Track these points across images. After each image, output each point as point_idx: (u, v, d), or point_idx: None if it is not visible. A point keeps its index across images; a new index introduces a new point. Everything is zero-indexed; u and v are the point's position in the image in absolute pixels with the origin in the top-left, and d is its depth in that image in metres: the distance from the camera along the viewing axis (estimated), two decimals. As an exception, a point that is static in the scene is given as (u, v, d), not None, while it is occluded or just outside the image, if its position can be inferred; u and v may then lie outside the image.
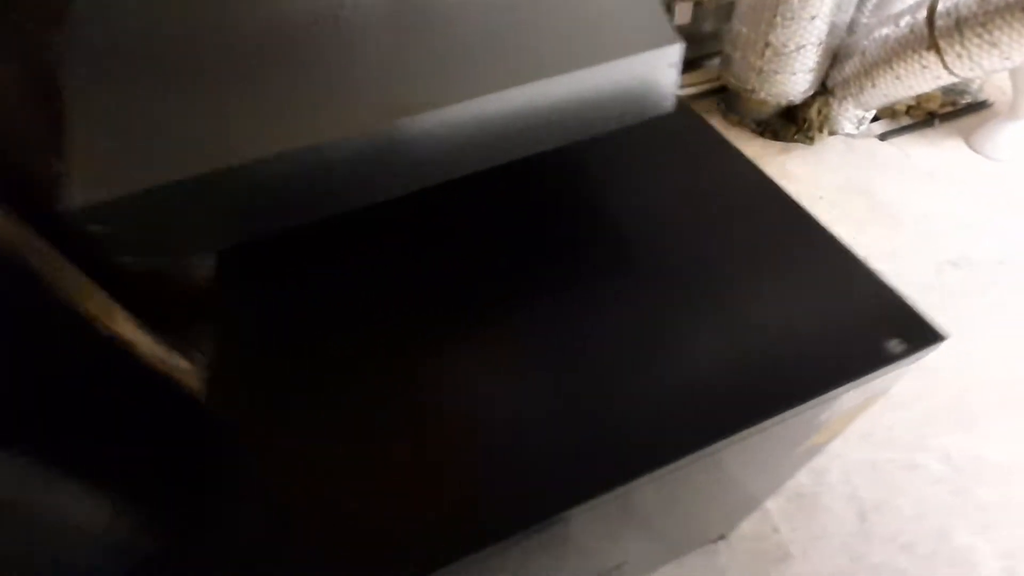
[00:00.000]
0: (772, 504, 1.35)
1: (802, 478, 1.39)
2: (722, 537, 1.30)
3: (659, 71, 0.51)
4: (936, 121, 2.33)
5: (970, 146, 2.23)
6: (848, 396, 0.53)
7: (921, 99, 2.35)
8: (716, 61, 2.48)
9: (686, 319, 0.54)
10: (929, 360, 1.71)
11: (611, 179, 0.69)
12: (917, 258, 1.86)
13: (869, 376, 0.50)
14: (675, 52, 0.51)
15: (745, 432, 0.46)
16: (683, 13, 2.36)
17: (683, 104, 0.83)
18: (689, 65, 2.57)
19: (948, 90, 2.36)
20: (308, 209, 0.51)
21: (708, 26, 2.51)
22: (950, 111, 2.36)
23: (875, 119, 2.39)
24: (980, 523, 1.29)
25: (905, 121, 2.37)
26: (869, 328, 0.52)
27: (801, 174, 2.19)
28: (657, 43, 0.50)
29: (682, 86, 2.51)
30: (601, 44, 0.49)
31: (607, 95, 0.50)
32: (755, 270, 0.58)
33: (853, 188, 2.12)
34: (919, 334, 0.52)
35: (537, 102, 0.48)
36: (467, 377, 0.50)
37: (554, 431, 0.46)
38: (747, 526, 1.34)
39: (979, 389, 1.52)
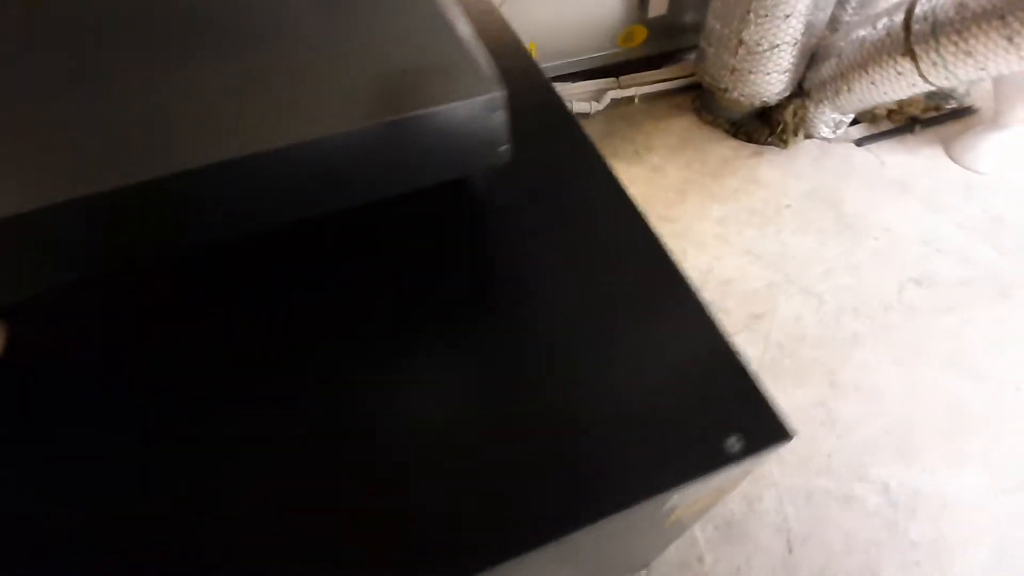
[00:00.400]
0: (700, 532, 1.32)
1: (733, 505, 1.35)
2: (645, 566, 1.27)
3: (478, 120, 0.44)
4: (916, 127, 2.23)
5: (949, 155, 2.14)
6: (681, 494, 0.47)
7: (903, 103, 2.26)
8: (693, 56, 2.37)
9: (503, 401, 0.48)
10: (877, 382, 1.64)
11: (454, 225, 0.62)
12: (879, 274, 1.79)
13: (699, 478, 0.44)
14: (495, 100, 0.44)
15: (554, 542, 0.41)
16: (659, 3, 2.24)
17: (581, 140, 0.76)
18: (665, 58, 2.46)
19: (932, 94, 2.26)
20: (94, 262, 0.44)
21: (688, 17, 2.40)
22: (933, 116, 2.27)
23: (855, 122, 2.29)
24: (910, 561, 1.26)
25: (885, 126, 2.27)
26: (710, 420, 0.46)
27: (770, 179, 2.11)
28: (469, 93, 0.43)
29: (656, 81, 2.42)
30: (405, 95, 0.41)
31: (417, 148, 0.43)
32: (601, 341, 0.52)
33: (822, 196, 2.04)
34: (763, 431, 0.46)
35: (332, 156, 0.41)
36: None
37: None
38: (674, 553, 1.30)
39: (926, 418, 1.47)
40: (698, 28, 2.19)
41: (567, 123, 0.76)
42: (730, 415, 0.46)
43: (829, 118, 2.17)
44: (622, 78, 2.45)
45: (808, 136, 2.23)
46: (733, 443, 0.45)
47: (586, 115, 2.46)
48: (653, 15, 2.29)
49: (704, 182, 2.14)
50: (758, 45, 1.92)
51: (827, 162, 2.16)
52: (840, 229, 1.93)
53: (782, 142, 2.22)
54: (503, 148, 0.48)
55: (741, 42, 1.96)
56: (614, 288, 0.56)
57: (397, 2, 0.47)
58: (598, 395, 0.48)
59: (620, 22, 2.33)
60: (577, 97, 2.43)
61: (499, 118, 0.45)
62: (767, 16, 1.83)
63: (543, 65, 2.38)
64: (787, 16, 1.81)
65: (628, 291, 0.56)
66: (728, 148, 2.26)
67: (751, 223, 1.98)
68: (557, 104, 0.79)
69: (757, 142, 2.25)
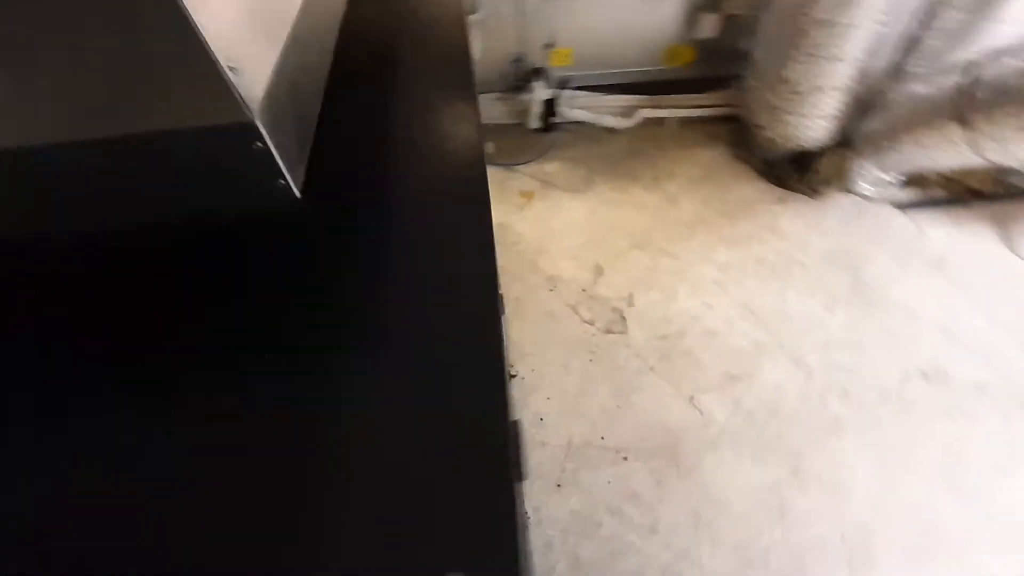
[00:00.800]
0: (606, 598, 1.23)
1: (650, 578, 1.26)
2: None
3: (230, 150, 0.38)
4: (972, 201, 2.00)
5: (1002, 239, 1.90)
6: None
7: (961, 172, 2.02)
8: (736, 85, 2.20)
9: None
10: (846, 478, 1.47)
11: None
12: (885, 357, 1.61)
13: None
14: (249, 128, 0.38)
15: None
16: (709, 25, 2.08)
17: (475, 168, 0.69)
18: (709, 84, 2.30)
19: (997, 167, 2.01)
20: None
21: (740, 43, 2.22)
22: (993, 192, 2.02)
23: (904, 184, 2.07)
24: None
25: (937, 193, 2.04)
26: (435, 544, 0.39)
27: (791, 231, 1.94)
28: (208, 118, 0.37)
29: (693, 106, 2.26)
30: (126, 110, 0.36)
31: (143, 173, 0.38)
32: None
33: (843, 258, 1.86)
34: (492, 567, 0.38)
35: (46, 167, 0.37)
36: None
37: None
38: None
39: (891, 531, 1.31)
40: (748, 56, 2.02)
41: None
42: (463, 541, 0.39)
43: (872, 175, 1.97)
44: (658, 97, 2.31)
45: (846, 190, 2.04)
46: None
47: (612, 130, 2.35)
48: (703, 36, 2.14)
49: (718, 222, 2.00)
50: (800, 85, 1.76)
51: (859, 222, 1.97)
52: (854, 298, 1.76)
53: (813, 191, 2.03)
54: (279, 183, 0.42)
55: (783, 79, 1.79)
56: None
57: (139, 7, 0.42)
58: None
59: (667, 39, 2.19)
60: (606, 110, 2.31)
61: (259, 149, 0.39)
62: (812, 55, 1.66)
63: (577, 72, 2.28)
64: (836, 59, 1.64)
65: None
66: (754, 189, 2.10)
67: (756, 274, 1.83)
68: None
69: (787, 187, 2.08)
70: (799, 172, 2.05)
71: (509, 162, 2.26)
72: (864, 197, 2.03)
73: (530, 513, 1.38)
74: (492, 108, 2.36)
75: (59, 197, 0.39)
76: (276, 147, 0.40)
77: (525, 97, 2.28)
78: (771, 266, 1.85)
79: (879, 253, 1.87)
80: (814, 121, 1.84)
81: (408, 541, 0.39)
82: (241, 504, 0.40)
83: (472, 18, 2.02)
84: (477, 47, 2.11)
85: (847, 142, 1.94)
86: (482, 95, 2.32)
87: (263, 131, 0.38)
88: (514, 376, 1.62)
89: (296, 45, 0.43)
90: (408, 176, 0.71)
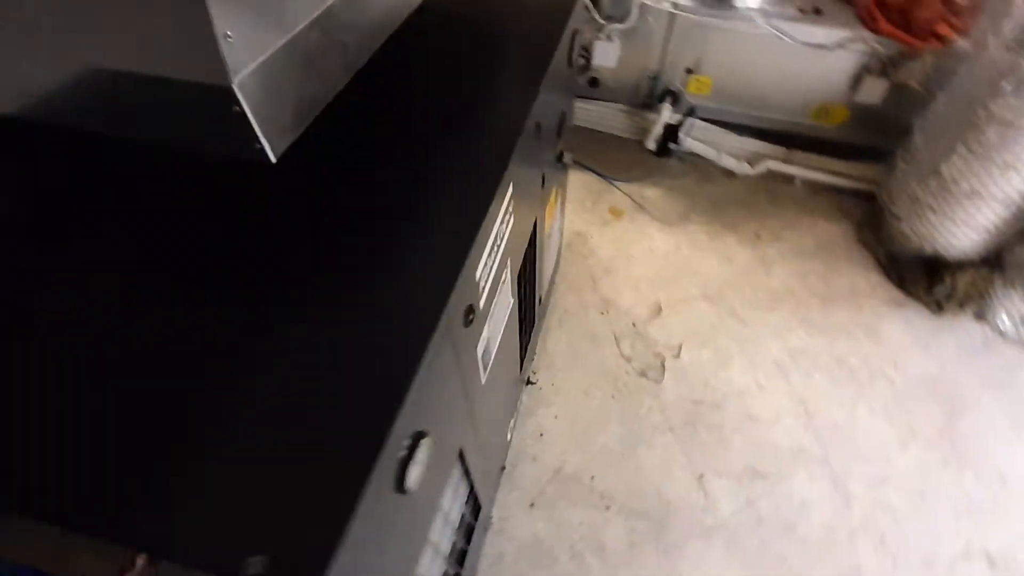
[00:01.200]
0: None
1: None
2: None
3: (208, 107, 0.41)
4: None
5: None
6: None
7: None
8: (883, 163, 1.94)
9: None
10: None
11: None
12: (949, 522, 1.37)
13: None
14: (224, 92, 0.40)
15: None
16: (874, 90, 1.85)
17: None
18: (853, 152, 2.05)
19: None
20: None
21: (901, 117, 1.94)
22: None
23: (1059, 333, 1.71)
24: None
25: (1100, 357, 1.67)
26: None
27: (891, 339, 1.69)
28: (195, 74, 0.40)
29: (828, 171, 2.04)
30: (122, 48, 0.40)
31: (136, 102, 0.42)
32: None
33: (943, 392, 1.59)
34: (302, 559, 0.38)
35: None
36: None
37: None
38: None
39: None
40: (906, 134, 1.77)
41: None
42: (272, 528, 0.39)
43: (1017, 309, 1.65)
44: (792, 152, 2.11)
45: (978, 317, 1.73)
46: (257, 563, 0.38)
47: (730, 173, 2.18)
48: (862, 100, 1.90)
49: (808, 302, 1.79)
50: (956, 184, 1.51)
51: (981, 359, 1.66)
52: (939, 442, 1.50)
53: (938, 306, 1.75)
54: (256, 147, 0.44)
55: (938, 173, 1.55)
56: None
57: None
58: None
59: (820, 94, 1.98)
60: (730, 151, 2.15)
61: (238, 113, 0.42)
62: (980, 156, 1.41)
63: (711, 104, 2.16)
64: (1008, 166, 1.38)
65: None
66: (866, 281, 1.85)
67: (829, 373, 1.62)
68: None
69: (906, 291, 1.81)
70: (927, 279, 1.77)
71: (611, 176, 2.20)
72: (998, 332, 1.71)
73: (495, 520, 1.36)
74: (614, 119, 2.30)
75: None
76: (256, 115, 0.42)
77: (650, 116, 2.19)
78: (851, 370, 1.63)
79: (992, 402, 1.57)
80: (962, 229, 1.57)
81: (236, 505, 0.41)
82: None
83: (618, 26, 1.97)
84: (614, 55, 2.06)
85: (996, 263, 1.64)
86: (608, 104, 2.26)
87: (240, 97, 0.41)
88: (532, 383, 1.60)
89: (315, 31, 0.45)
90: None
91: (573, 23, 1.01)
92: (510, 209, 0.79)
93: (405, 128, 0.76)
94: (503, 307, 0.91)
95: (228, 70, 0.39)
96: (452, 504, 0.97)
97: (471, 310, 0.67)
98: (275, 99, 0.44)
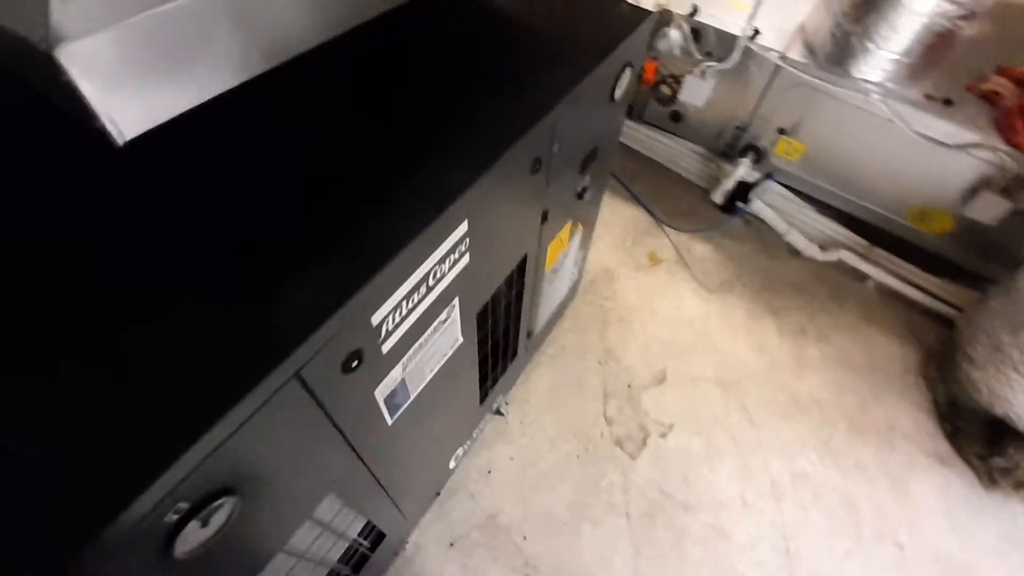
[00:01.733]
0: None
1: None
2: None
3: (42, 70, 0.34)
4: None
5: None
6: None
7: None
8: (979, 293, 1.65)
9: None
10: None
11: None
12: None
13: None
14: (50, 63, 0.32)
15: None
16: (989, 208, 1.55)
17: None
18: (942, 267, 1.76)
19: None
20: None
21: (1013, 247, 1.63)
22: None
23: None
24: None
25: None
26: None
27: (918, 499, 1.44)
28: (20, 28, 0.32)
29: (912, 283, 1.77)
30: None
31: None
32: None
33: (955, 570, 1.33)
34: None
35: None
36: None
37: None
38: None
39: None
40: (1013, 268, 1.48)
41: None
42: None
43: (1089, 517, 1.35)
44: (874, 248, 1.84)
45: (1036, 506, 1.44)
46: None
47: (795, 252, 1.95)
48: (972, 215, 1.61)
49: (836, 424, 1.56)
50: (1055, 349, 1.23)
51: (1021, 558, 1.38)
52: (933, 635, 1.26)
53: (989, 479, 1.47)
54: (97, 124, 0.36)
55: (1038, 327, 1.28)
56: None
57: None
58: None
59: (926, 195, 1.70)
60: (803, 228, 1.92)
61: (66, 81, 0.34)
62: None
63: (796, 172, 1.93)
64: None
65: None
66: (912, 421, 1.59)
67: (830, 514, 1.40)
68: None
69: (958, 450, 1.54)
70: (987, 444, 1.49)
71: (663, 218, 2.02)
72: (1058, 532, 1.41)
73: (410, 545, 1.28)
74: (687, 160, 2.11)
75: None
76: (92, 91, 0.34)
77: (726, 166, 1.98)
78: (857, 519, 1.40)
79: (1019, 609, 1.30)
80: (1047, 402, 1.29)
81: None
82: None
83: (716, 65, 1.77)
84: (704, 95, 1.86)
85: (1081, 455, 1.34)
86: (685, 143, 2.07)
87: (67, 69, 0.33)
88: (500, 414, 1.49)
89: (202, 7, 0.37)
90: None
91: (623, 55, 0.87)
92: (462, 248, 0.69)
93: (365, 137, 0.67)
94: (442, 346, 0.81)
95: (54, 36, 0.32)
96: (346, 522, 0.89)
97: (355, 356, 0.57)
98: (124, 79, 0.36)
